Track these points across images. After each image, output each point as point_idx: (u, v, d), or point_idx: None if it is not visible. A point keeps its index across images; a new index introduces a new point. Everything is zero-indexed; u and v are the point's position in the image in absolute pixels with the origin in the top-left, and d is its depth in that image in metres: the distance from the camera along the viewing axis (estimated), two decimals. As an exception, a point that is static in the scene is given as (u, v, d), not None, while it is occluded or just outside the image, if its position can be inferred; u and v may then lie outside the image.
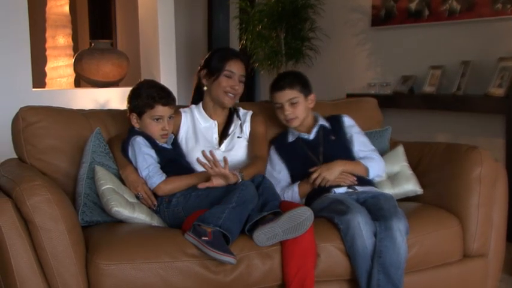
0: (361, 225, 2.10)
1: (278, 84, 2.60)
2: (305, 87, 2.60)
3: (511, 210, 2.63)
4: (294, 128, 2.61)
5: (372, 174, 2.53)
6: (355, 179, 2.45)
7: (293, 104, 2.55)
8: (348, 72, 4.79)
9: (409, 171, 2.58)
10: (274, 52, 4.87)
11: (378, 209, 2.20)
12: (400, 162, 2.61)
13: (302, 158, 2.54)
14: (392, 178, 2.58)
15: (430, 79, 4.05)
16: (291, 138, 2.61)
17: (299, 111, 2.56)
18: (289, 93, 2.55)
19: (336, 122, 2.68)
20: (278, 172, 2.56)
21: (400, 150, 2.66)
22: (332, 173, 2.42)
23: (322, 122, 2.64)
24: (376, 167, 2.54)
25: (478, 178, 2.37)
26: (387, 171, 2.60)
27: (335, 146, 2.58)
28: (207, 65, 2.55)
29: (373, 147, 2.64)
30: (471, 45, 3.89)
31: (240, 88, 2.53)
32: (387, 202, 2.25)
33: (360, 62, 4.72)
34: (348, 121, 2.69)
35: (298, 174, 2.53)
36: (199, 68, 2.60)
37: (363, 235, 2.10)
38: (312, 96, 2.63)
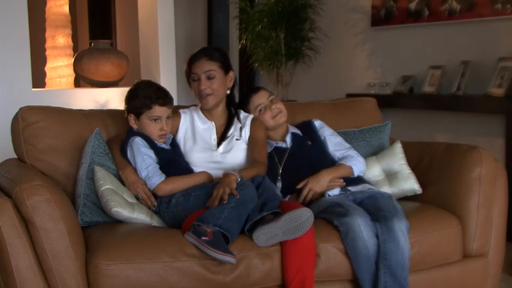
0: (362, 227, 2.10)
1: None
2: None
3: (511, 210, 2.63)
4: (268, 138, 2.58)
5: (357, 172, 2.52)
6: (343, 181, 2.45)
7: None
8: (347, 72, 4.80)
9: (407, 170, 2.56)
10: (274, 52, 4.87)
11: (377, 210, 2.20)
12: (398, 161, 2.59)
13: (285, 168, 2.53)
14: (391, 177, 2.57)
15: (430, 79, 4.05)
16: (268, 149, 2.57)
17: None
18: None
19: (307, 127, 2.69)
20: None
21: (397, 147, 2.63)
22: (321, 185, 2.41)
23: (293, 130, 2.64)
24: (359, 164, 2.54)
25: (478, 178, 2.37)
26: (385, 169, 2.59)
27: (313, 150, 2.58)
28: (185, 73, 2.55)
29: (348, 145, 2.65)
30: (471, 45, 3.90)
31: (210, 85, 2.44)
32: (386, 202, 2.25)
33: (360, 62, 4.72)
34: (318, 124, 2.70)
35: (284, 183, 2.51)
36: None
37: (364, 237, 2.10)
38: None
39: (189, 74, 2.51)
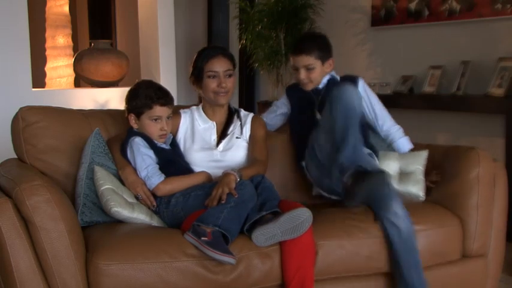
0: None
1: (296, 48, 2.61)
2: (323, 52, 2.61)
3: (511, 210, 2.63)
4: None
5: (405, 148, 2.64)
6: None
7: (309, 69, 2.58)
8: (347, 72, 4.78)
9: (420, 176, 2.52)
10: (274, 52, 4.87)
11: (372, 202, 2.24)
12: (416, 164, 2.55)
13: (304, 100, 2.62)
14: (403, 176, 2.55)
15: (430, 79, 4.05)
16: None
17: (314, 76, 2.60)
18: (305, 59, 2.57)
19: (350, 80, 2.66)
20: (277, 106, 2.76)
21: (423, 154, 2.59)
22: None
23: (334, 75, 2.68)
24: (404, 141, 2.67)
25: (477, 178, 2.38)
26: (402, 167, 2.57)
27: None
28: (193, 70, 2.53)
29: (391, 121, 2.73)
30: (471, 45, 3.90)
31: (228, 83, 2.48)
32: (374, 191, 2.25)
33: (360, 62, 4.72)
34: (361, 85, 2.68)
35: (294, 121, 2.66)
36: (189, 75, 2.58)
37: None
38: (330, 61, 2.64)
39: (200, 71, 2.49)
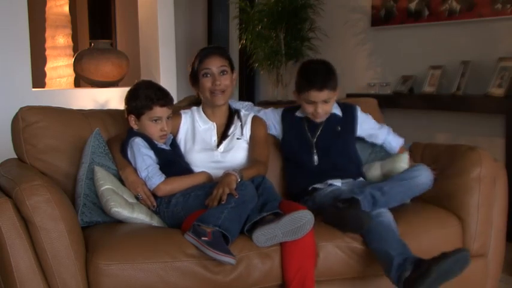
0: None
1: (317, 83, 2.47)
2: (336, 83, 2.55)
3: (511, 210, 2.63)
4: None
5: (398, 145, 2.66)
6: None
7: (326, 102, 2.51)
8: (348, 72, 4.79)
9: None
10: (274, 52, 4.87)
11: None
12: (402, 163, 2.53)
13: (298, 132, 2.57)
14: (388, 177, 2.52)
15: (430, 79, 4.05)
16: (299, 114, 2.62)
17: (330, 108, 2.55)
18: (326, 94, 2.48)
19: (349, 113, 2.64)
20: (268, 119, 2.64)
21: (404, 155, 2.57)
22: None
23: (335, 110, 2.61)
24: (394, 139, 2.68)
25: (478, 178, 2.37)
26: (385, 174, 2.57)
27: (334, 136, 2.57)
28: (191, 72, 2.54)
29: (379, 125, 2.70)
30: (471, 45, 3.90)
31: (223, 81, 2.46)
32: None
33: (360, 62, 4.72)
34: (360, 117, 2.65)
35: (289, 149, 2.59)
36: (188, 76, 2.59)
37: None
38: (337, 91, 2.58)
39: (197, 71, 2.50)
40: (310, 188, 2.47)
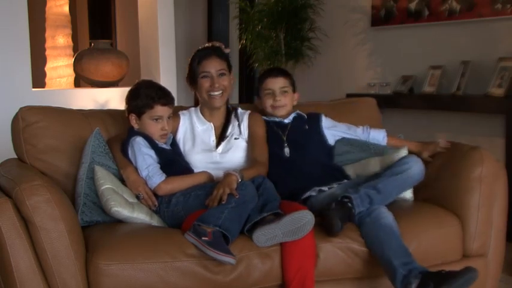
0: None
1: (273, 72, 2.72)
2: (293, 83, 2.73)
3: (511, 210, 2.63)
4: (275, 115, 2.66)
5: (384, 136, 2.70)
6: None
7: (284, 92, 2.65)
8: (347, 72, 4.80)
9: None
10: (274, 52, 4.87)
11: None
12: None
13: (270, 131, 2.61)
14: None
15: (430, 79, 4.05)
16: (266, 118, 2.67)
17: (287, 101, 2.66)
18: (282, 81, 2.66)
19: (314, 116, 2.73)
20: None
21: (403, 150, 2.58)
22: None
23: (300, 112, 2.72)
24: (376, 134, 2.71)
25: (479, 178, 2.37)
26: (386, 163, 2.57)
27: (304, 133, 2.64)
28: (188, 72, 2.54)
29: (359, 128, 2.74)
30: (471, 45, 3.90)
31: (222, 82, 2.48)
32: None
33: (360, 62, 4.72)
34: (325, 121, 2.72)
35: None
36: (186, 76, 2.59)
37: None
38: (296, 95, 2.74)
39: (195, 72, 2.50)
40: (302, 198, 2.45)
